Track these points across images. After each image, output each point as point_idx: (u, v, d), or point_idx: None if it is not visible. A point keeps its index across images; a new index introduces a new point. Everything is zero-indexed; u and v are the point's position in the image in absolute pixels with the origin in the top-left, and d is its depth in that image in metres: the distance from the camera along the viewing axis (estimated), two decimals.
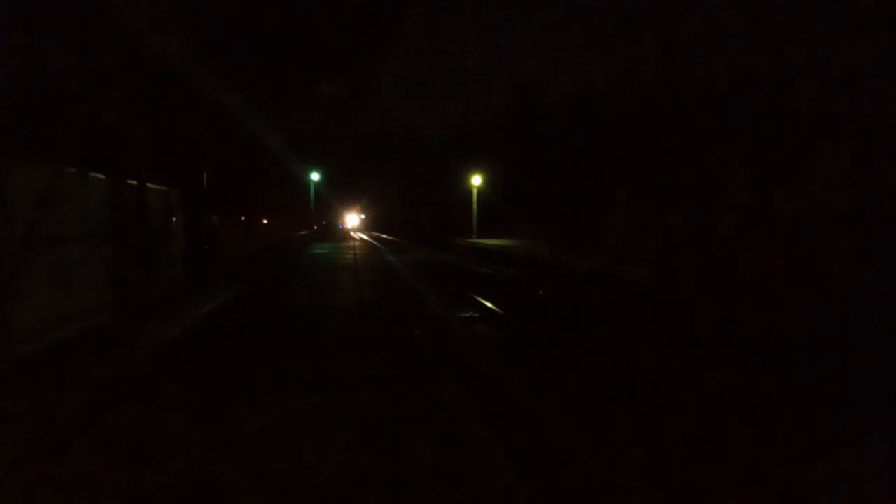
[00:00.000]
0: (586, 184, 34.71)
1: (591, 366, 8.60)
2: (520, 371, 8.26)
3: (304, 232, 35.77)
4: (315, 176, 51.78)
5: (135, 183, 10.54)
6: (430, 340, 8.80)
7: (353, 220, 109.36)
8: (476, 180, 47.27)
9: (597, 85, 35.39)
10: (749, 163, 19.41)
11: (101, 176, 9.27)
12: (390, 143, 76.05)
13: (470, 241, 40.44)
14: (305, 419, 5.46)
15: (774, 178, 17.83)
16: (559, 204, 38.15)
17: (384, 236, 67.66)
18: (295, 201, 47.05)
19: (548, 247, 29.95)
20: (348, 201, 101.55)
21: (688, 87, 22.39)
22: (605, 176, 32.05)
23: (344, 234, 69.57)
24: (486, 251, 30.90)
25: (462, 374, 7.34)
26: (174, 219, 12.25)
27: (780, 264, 14.89)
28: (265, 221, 27.24)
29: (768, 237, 18.21)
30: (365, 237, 65.42)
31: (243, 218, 21.49)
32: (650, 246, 22.34)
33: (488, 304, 13.53)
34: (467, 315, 12.34)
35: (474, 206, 47.07)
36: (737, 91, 18.83)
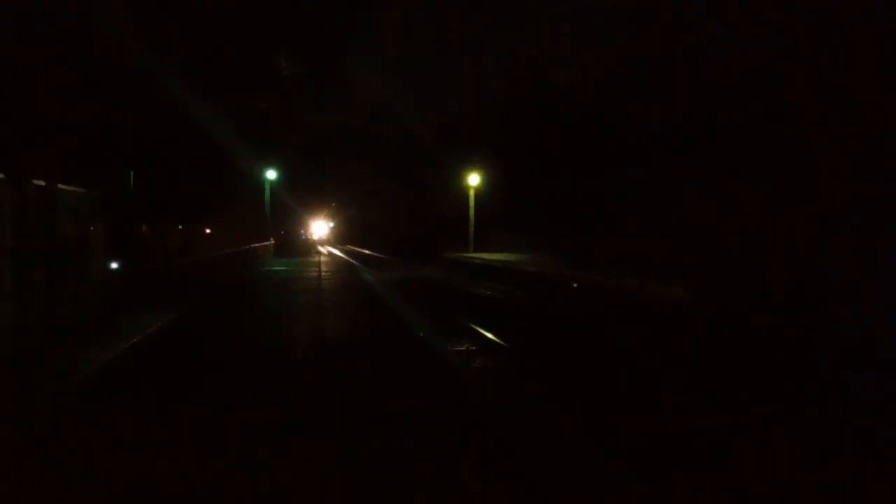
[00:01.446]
0: (607, 183, 33.79)
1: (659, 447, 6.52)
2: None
3: (257, 245, 34.73)
4: (271, 174, 48.78)
5: (42, 184, 9.75)
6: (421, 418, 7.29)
7: (319, 229, 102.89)
8: (473, 180, 45.56)
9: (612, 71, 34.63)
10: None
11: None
12: (368, 136, 72.67)
13: (466, 255, 39.66)
14: None
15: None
16: (573, 208, 37.47)
17: (360, 250, 63.76)
18: (247, 207, 45.43)
19: (560, 261, 29.89)
20: (314, 206, 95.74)
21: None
22: (630, 171, 31.33)
23: (308, 247, 67.20)
24: (486, 268, 30.35)
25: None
26: (92, 228, 11.45)
27: None
28: (209, 231, 26.32)
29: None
30: (335, 251, 62.02)
31: (180, 227, 20.65)
32: (698, 255, 21.78)
33: (495, 339, 12.00)
34: (475, 364, 10.12)
35: (471, 212, 45.28)
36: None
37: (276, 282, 23.20)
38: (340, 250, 64.23)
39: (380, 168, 72.75)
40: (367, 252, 58.16)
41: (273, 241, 45.70)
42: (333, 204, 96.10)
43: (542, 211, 40.72)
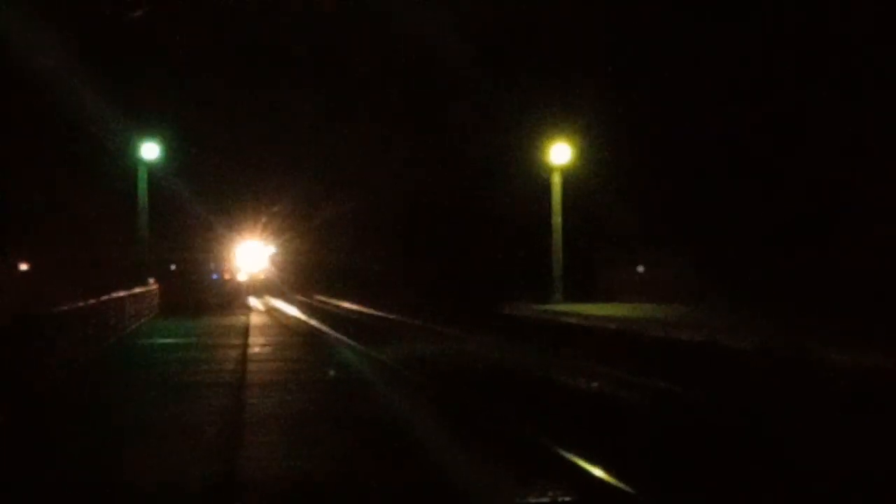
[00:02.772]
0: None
1: None
2: None
3: (122, 293, 19.95)
4: (150, 151, 27.53)
5: None
6: None
7: (251, 259, 50.67)
8: (560, 153, 26.81)
9: None
10: None
11: None
12: (336, 68, 41.58)
13: (550, 307, 24.10)
14: None
15: None
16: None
17: (343, 304, 35.43)
18: (111, 223, 29.69)
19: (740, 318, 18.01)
20: (241, 216, 50.03)
21: None
22: None
23: (228, 295, 40.13)
24: (601, 338, 18.20)
25: None
26: None
27: None
28: (25, 268, 18.72)
29: None
30: (290, 310, 31.93)
31: None
32: None
33: None
34: None
35: (555, 220, 26.70)
36: None
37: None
38: (298, 308, 33.80)
39: (368, 135, 41.78)
40: (361, 310, 31.19)
41: (155, 284, 28.10)
42: (283, 207, 51.95)
43: (710, 219, 24.82)
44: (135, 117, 28.71)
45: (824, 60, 23.39)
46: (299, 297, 43.09)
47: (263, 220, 51.31)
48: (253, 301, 39.62)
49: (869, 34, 21.85)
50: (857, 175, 21.89)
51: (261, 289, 49.44)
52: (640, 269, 27.91)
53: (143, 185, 27.88)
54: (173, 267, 39.16)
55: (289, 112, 47.56)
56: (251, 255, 50.27)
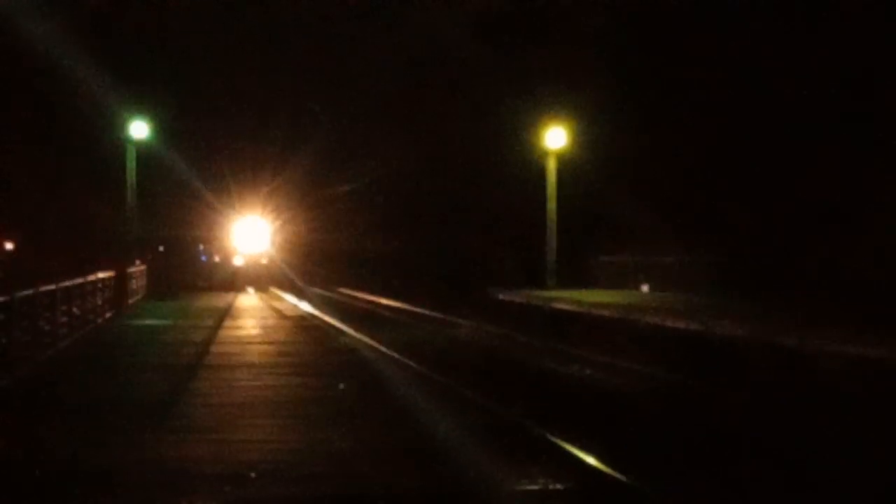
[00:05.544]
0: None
1: None
2: None
3: (102, 275, 18.94)
4: (139, 129, 27.13)
5: None
6: None
7: (253, 240, 43.32)
8: (555, 138, 26.58)
9: None
10: None
11: None
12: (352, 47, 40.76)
13: (544, 294, 24.03)
14: None
15: None
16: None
17: (361, 296, 30.99)
18: (100, 201, 28.92)
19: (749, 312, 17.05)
20: (241, 191, 43.57)
21: None
22: None
23: (220, 280, 38.34)
24: (591, 325, 18.26)
25: None
26: None
27: None
28: (10, 247, 18.70)
29: None
30: (299, 303, 26.72)
31: None
32: None
33: None
34: None
35: (550, 205, 26.62)
36: None
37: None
38: (307, 303, 26.83)
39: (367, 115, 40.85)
40: (374, 300, 28.17)
41: (145, 267, 27.68)
42: (283, 184, 44.69)
43: (709, 208, 24.93)
44: (125, 90, 28.07)
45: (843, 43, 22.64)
46: (318, 291, 33.17)
47: (263, 195, 43.63)
48: (250, 291, 33.55)
49: None
50: (873, 163, 21.33)
51: (262, 277, 40.47)
52: (635, 256, 27.60)
53: (131, 165, 27.40)
54: (160, 248, 37.12)
55: (288, 81, 44.14)
56: (249, 234, 42.48)
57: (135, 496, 6.24)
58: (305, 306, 24.86)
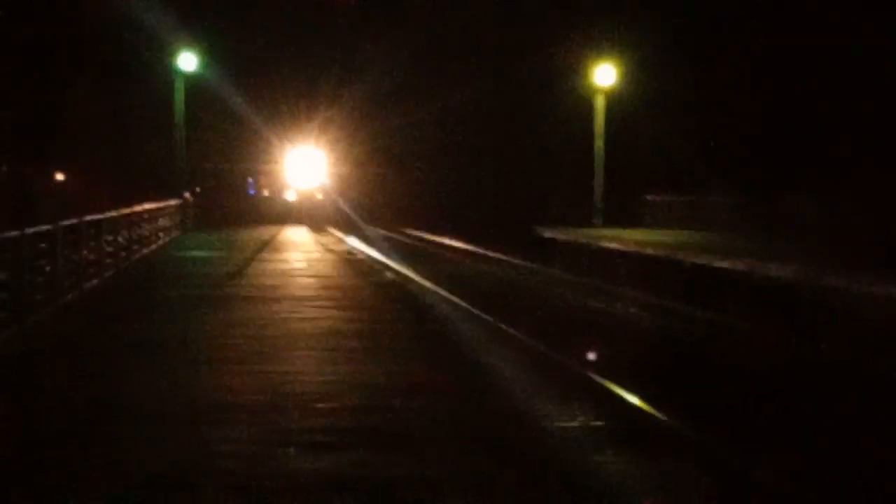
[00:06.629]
0: None
1: None
2: None
3: (150, 205, 19.13)
4: (187, 62, 26.77)
5: None
6: None
7: (307, 173, 40.20)
8: (605, 74, 27.01)
9: None
10: None
11: None
12: None
13: (590, 231, 23.69)
14: None
15: None
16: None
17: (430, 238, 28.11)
18: (150, 138, 28.37)
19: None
20: (294, 128, 40.58)
21: None
22: None
23: (273, 213, 36.66)
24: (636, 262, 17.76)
25: None
26: None
27: None
28: (60, 177, 18.70)
29: None
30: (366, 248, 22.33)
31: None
32: None
33: None
34: None
35: (597, 142, 26.45)
36: None
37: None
38: (375, 247, 22.64)
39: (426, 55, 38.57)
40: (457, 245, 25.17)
41: (189, 199, 27.08)
42: (322, 120, 41.10)
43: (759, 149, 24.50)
44: (179, 18, 27.44)
45: None
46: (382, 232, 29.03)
47: (318, 125, 40.01)
48: (317, 236, 27.74)
49: None
50: None
51: (317, 214, 36.89)
52: (682, 196, 27.08)
53: (179, 97, 27.04)
54: (212, 183, 36.43)
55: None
56: (302, 166, 39.27)
57: (169, 427, 6.26)
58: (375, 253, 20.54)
